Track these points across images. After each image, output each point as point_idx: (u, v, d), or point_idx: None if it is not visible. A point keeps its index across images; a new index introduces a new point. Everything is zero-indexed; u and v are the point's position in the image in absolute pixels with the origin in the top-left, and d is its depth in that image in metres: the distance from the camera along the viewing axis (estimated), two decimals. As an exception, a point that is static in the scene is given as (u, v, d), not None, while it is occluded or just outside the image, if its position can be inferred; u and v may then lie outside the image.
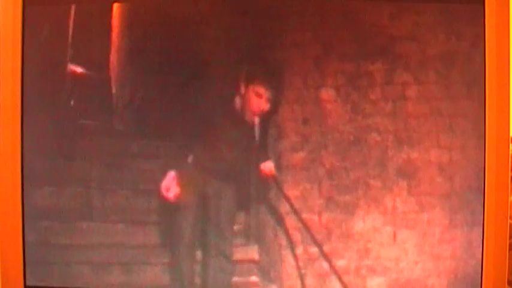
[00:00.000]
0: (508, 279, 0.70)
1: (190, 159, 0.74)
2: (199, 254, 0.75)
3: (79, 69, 0.76)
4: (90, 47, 0.76)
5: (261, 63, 0.74)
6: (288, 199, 0.73)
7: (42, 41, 0.75)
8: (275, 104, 0.73)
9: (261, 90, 0.73)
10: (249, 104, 0.74)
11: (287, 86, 0.73)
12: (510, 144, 0.70)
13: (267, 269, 0.74)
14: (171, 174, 0.74)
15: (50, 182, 0.76)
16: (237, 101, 0.74)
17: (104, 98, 0.75)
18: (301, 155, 0.73)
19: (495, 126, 0.70)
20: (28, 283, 0.75)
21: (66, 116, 0.76)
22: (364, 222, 0.73)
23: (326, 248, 0.73)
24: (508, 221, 0.70)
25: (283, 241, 0.74)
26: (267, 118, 0.74)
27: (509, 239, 0.70)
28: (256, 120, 0.74)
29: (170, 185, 0.74)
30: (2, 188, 0.74)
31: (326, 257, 0.73)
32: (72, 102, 0.76)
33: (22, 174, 0.74)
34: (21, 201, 0.74)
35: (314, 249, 0.73)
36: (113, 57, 0.76)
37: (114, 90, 0.76)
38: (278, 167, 0.73)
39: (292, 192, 0.73)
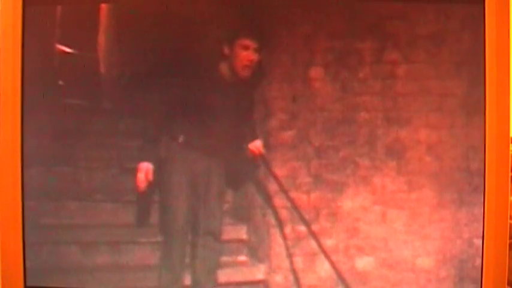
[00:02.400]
0: (508, 279, 0.71)
1: (178, 138, 0.74)
2: (188, 233, 0.74)
3: (68, 49, 0.75)
4: (87, 39, 0.75)
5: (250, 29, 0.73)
6: (276, 178, 0.73)
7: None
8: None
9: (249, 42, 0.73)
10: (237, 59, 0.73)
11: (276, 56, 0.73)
12: (510, 144, 0.70)
13: (255, 248, 0.74)
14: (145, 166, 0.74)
15: (38, 162, 0.75)
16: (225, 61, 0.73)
17: (92, 78, 0.75)
18: (289, 133, 0.73)
19: (495, 126, 0.70)
20: (28, 283, 0.74)
21: (54, 97, 0.75)
22: (352, 202, 0.73)
23: (314, 227, 0.73)
24: (508, 221, 0.70)
25: (272, 220, 0.74)
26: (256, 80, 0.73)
27: (509, 239, 0.70)
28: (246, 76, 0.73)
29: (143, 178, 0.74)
30: (2, 193, 0.74)
31: (314, 236, 0.73)
32: (60, 82, 0.75)
33: (22, 180, 0.74)
34: (22, 201, 0.74)
35: (302, 229, 0.73)
36: (101, 39, 0.75)
37: (102, 70, 0.75)
38: (266, 145, 0.73)
39: (280, 171, 0.73)
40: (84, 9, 0.75)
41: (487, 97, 0.70)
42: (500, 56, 0.70)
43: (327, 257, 0.73)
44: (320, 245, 0.73)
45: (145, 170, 0.74)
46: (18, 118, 0.73)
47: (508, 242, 0.70)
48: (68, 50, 0.75)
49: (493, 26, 0.70)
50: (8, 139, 0.73)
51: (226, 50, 0.73)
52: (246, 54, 0.72)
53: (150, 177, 0.74)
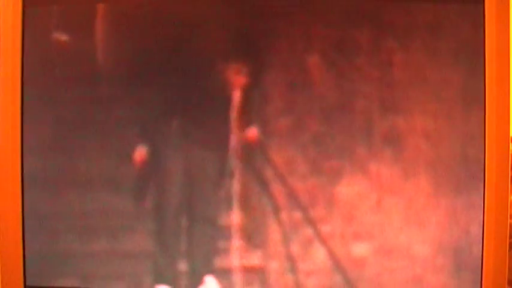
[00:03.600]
0: (508, 279, 0.70)
1: (174, 125, 0.74)
2: (183, 220, 0.74)
3: (64, 38, 0.76)
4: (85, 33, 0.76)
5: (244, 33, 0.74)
6: (272, 164, 0.73)
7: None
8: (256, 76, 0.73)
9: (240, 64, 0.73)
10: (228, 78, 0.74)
11: (269, 58, 0.73)
12: (510, 144, 0.70)
13: (251, 234, 0.74)
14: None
15: (34, 150, 0.75)
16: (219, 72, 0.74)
17: (89, 66, 0.75)
18: (286, 120, 0.73)
19: (495, 126, 0.69)
20: (28, 283, 0.74)
21: (51, 85, 0.76)
22: (349, 188, 0.73)
23: (311, 213, 0.73)
24: (508, 220, 0.70)
25: (268, 206, 0.74)
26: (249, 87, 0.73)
27: (509, 238, 0.70)
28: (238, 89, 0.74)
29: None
30: (1, 188, 0.74)
31: (311, 222, 0.73)
32: (57, 70, 0.76)
33: (22, 180, 0.74)
34: (21, 202, 0.74)
35: (299, 215, 0.73)
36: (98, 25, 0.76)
37: (99, 58, 0.75)
38: (263, 132, 0.73)
39: (277, 157, 0.73)
40: (84, 7, 0.75)
41: (487, 97, 0.70)
42: (500, 56, 0.70)
43: (324, 243, 0.73)
44: (316, 231, 0.73)
45: (139, 151, 0.74)
46: (18, 113, 0.74)
47: (508, 242, 0.70)
48: (64, 39, 0.76)
49: (493, 25, 0.70)
50: (8, 131, 0.74)
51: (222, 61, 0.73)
52: (238, 76, 0.72)
53: (144, 157, 0.74)
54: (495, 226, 0.70)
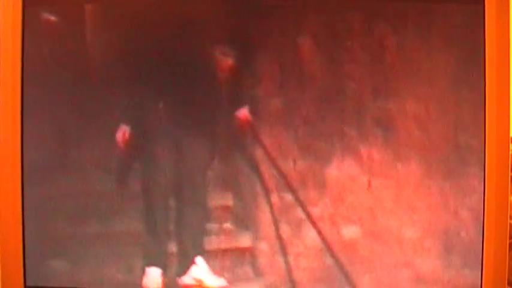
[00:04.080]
0: (508, 279, 0.71)
1: (164, 107, 0.74)
2: (173, 201, 0.74)
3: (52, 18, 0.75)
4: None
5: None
6: (263, 146, 0.73)
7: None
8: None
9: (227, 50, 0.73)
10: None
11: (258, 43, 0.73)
12: (510, 144, 0.70)
13: (241, 215, 0.74)
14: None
15: (28, 139, 0.75)
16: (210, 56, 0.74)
17: (81, 55, 0.75)
18: (277, 102, 0.73)
19: (495, 126, 0.70)
20: (28, 283, 0.75)
21: (47, 81, 0.76)
22: (339, 171, 0.73)
23: (301, 195, 0.73)
24: (508, 221, 0.70)
25: (258, 188, 0.74)
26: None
27: (509, 239, 0.70)
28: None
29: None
30: (1, 186, 0.74)
31: (301, 204, 0.73)
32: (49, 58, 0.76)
33: (22, 178, 0.74)
34: (21, 201, 0.74)
35: (289, 197, 0.73)
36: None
37: (91, 47, 0.75)
38: (254, 113, 0.73)
39: (267, 139, 0.73)
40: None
41: (487, 97, 0.70)
42: (500, 57, 0.70)
43: (314, 225, 0.73)
44: (306, 213, 0.73)
45: (122, 130, 0.74)
46: (18, 112, 0.74)
47: (508, 242, 0.70)
48: (54, 20, 0.75)
49: (493, 25, 0.70)
50: (8, 125, 0.74)
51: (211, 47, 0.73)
52: (225, 60, 0.72)
53: (127, 137, 0.74)
54: (495, 226, 0.70)
